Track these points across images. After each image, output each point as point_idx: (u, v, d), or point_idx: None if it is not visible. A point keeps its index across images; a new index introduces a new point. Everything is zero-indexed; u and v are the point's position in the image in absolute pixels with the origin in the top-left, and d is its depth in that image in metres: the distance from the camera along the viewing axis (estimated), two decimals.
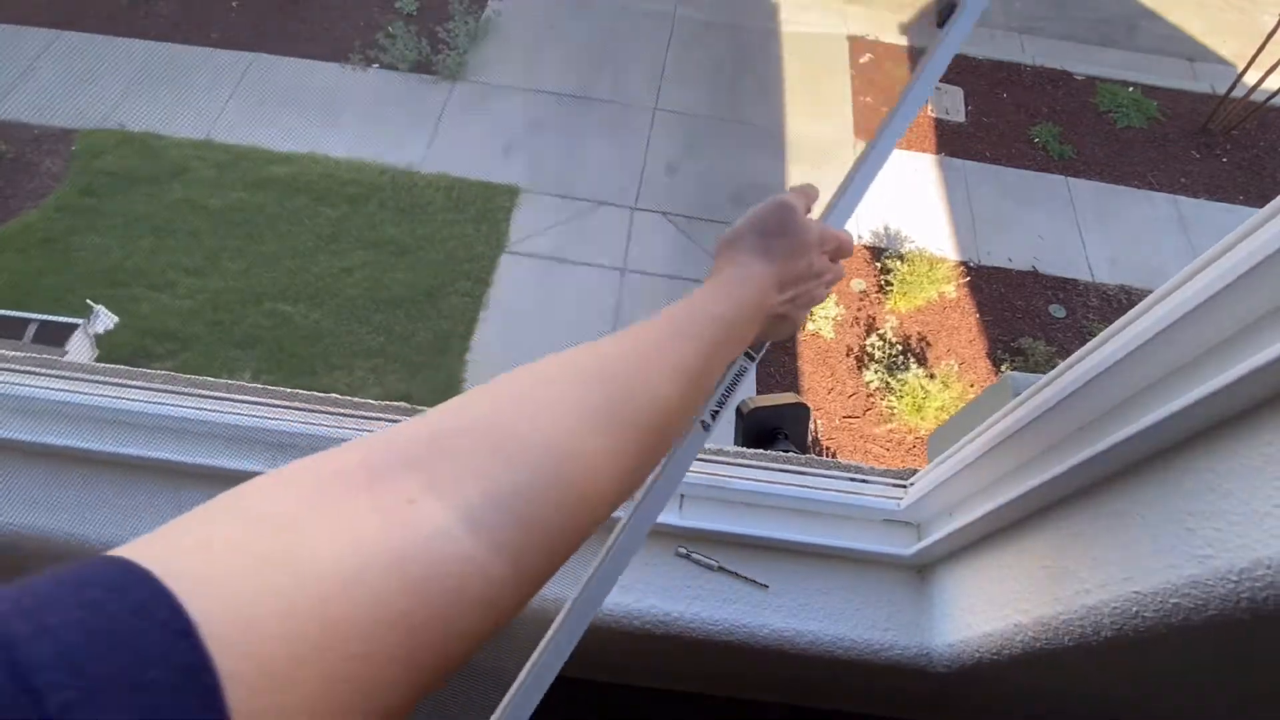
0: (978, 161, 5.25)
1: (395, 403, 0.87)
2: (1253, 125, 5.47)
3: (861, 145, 5.43)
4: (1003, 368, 4.31)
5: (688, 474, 0.83)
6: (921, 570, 0.81)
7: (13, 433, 0.82)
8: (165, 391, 0.87)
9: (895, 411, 4.15)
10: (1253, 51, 5.05)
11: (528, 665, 0.51)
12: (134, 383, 0.88)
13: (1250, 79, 5.14)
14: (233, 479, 0.81)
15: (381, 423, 0.85)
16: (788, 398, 1.23)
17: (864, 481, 0.85)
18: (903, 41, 5.90)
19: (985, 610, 0.67)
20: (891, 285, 4.56)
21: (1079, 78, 5.78)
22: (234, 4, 5.53)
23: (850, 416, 4.19)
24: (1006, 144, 5.36)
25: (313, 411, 0.86)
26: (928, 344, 4.46)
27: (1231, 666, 0.51)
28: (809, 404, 1.50)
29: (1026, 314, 4.60)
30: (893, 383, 4.18)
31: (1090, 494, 0.56)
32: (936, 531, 0.75)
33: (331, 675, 0.23)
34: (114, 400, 0.85)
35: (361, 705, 0.24)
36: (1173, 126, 5.55)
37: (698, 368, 0.46)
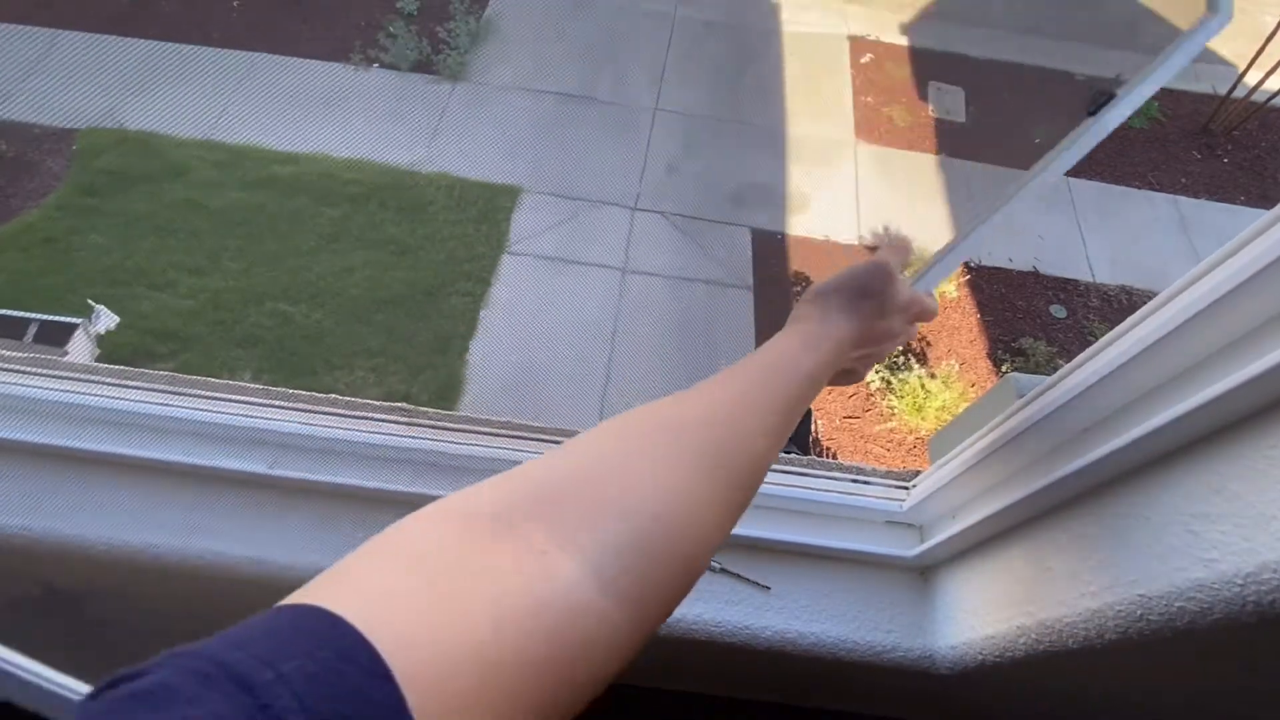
0: (979, 162, 5.25)
1: (396, 403, 0.87)
2: (1254, 126, 5.47)
3: (862, 146, 5.44)
4: (1003, 368, 4.31)
5: None
6: (924, 572, 0.81)
7: (13, 433, 0.82)
8: (165, 391, 0.87)
9: (896, 412, 4.15)
10: (1253, 52, 5.05)
11: None
12: (134, 383, 0.87)
13: (1251, 79, 5.14)
14: (233, 479, 0.81)
15: (382, 423, 0.85)
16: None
17: (866, 483, 0.85)
18: (903, 41, 5.90)
19: (988, 613, 0.66)
20: None
21: (1080, 78, 5.78)
22: (234, 4, 5.53)
23: (851, 416, 4.19)
24: (1007, 144, 5.35)
25: (313, 412, 0.86)
26: (928, 344, 4.45)
27: (1237, 670, 0.51)
28: (809, 406, 1.50)
29: (1027, 314, 4.60)
30: (893, 383, 4.18)
31: (1095, 497, 0.55)
32: (939, 533, 0.75)
33: (491, 708, 0.26)
34: (114, 400, 0.84)
35: None
36: (1174, 127, 5.55)
37: (784, 421, 0.47)
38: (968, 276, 4.72)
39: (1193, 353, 0.47)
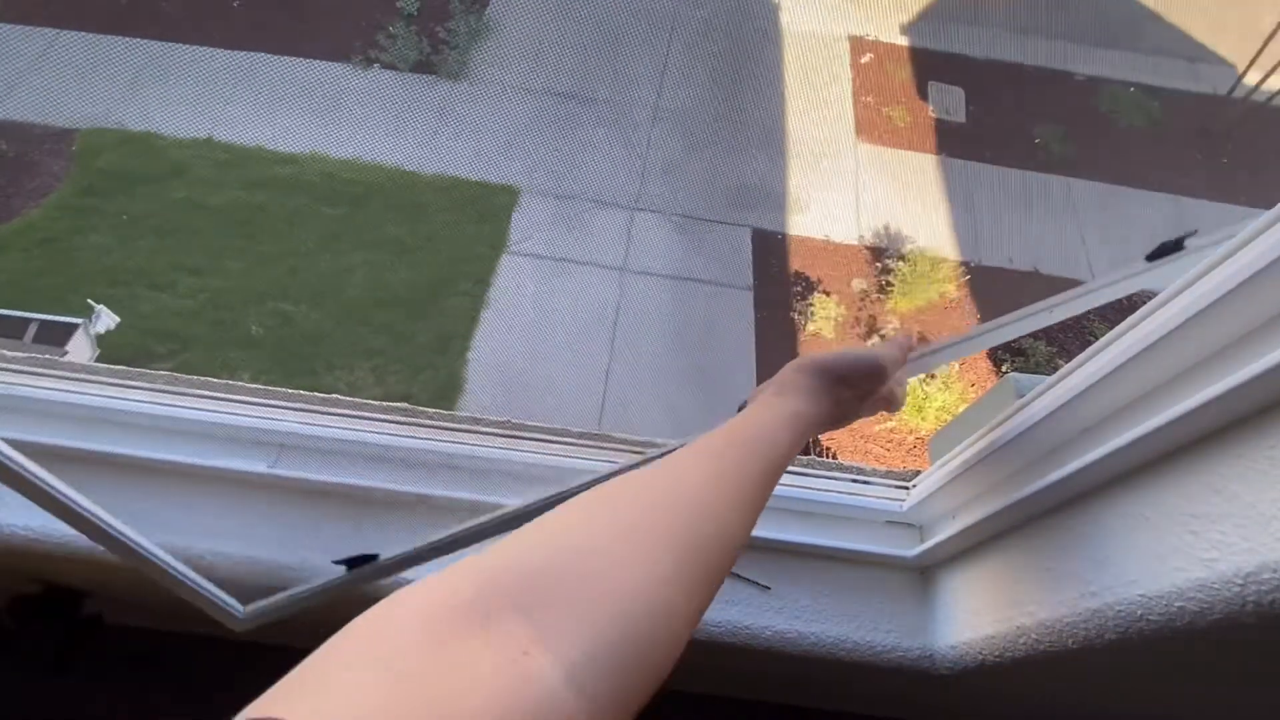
0: (979, 162, 5.25)
1: (396, 403, 0.87)
2: (1254, 126, 5.47)
3: (862, 146, 5.44)
4: (1003, 368, 4.31)
5: None
6: (924, 572, 0.81)
7: (13, 433, 0.82)
8: (165, 391, 0.87)
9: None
10: (1253, 52, 5.05)
11: None
12: (134, 383, 0.87)
13: (1251, 79, 5.14)
14: (233, 479, 0.81)
15: (382, 423, 0.85)
16: None
17: (866, 483, 0.85)
18: (903, 41, 5.90)
19: (988, 612, 0.66)
20: (892, 285, 4.56)
21: (1080, 78, 5.78)
22: (235, 4, 5.53)
23: None
24: (1008, 144, 5.35)
25: (313, 411, 0.86)
26: (928, 344, 4.45)
27: (1237, 670, 0.51)
28: None
29: None
30: None
31: (1095, 497, 0.55)
32: (939, 533, 0.75)
33: None
34: (114, 400, 0.84)
35: None
36: (1174, 127, 5.55)
37: (761, 500, 0.48)
38: (968, 277, 4.72)
39: (1193, 353, 0.47)
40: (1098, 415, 0.56)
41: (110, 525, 0.61)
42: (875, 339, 4.40)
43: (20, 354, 0.82)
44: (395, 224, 4.66)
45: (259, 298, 4.28)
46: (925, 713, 1.00)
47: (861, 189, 5.10)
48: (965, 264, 4.78)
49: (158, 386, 0.87)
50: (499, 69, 5.41)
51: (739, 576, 0.80)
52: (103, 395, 0.85)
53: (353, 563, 0.69)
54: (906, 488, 0.84)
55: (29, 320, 3.41)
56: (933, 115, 5.46)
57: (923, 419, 4.09)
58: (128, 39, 5.22)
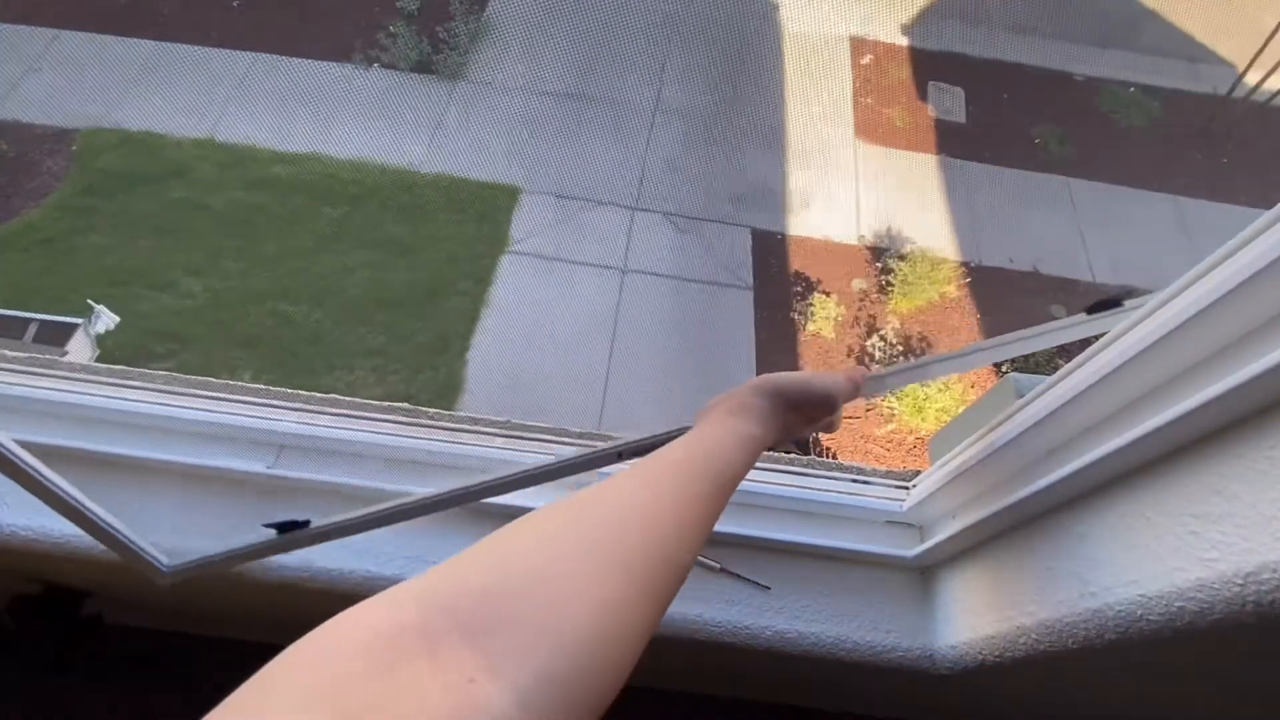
0: (979, 162, 5.25)
1: (395, 403, 0.87)
2: (1254, 126, 5.47)
3: (862, 146, 5.44)
4: (1004, 368, 4.31)
5: None
6: (924, 572, 0.81)
7: (13, 433, 0.82)
8: (165, 391, 0.87)
9: (896, 413, 4.15)
10: (1253, 52, 5.05)
11: None
12: (134, 383, 0.87)
13: (1251, 79, 5.14)
14: (233, 479, 0.81)
15: (382, 423, 0.85)
16: None
17: (866, 483, 0.85)
18: (903, 41, 5.90)
19: (988, 612, 0.66)
20: (892, 285, 4.56)
21: (1080, 78, 5.78)
22: (234, 4, 5.53)
23: (851, 417, 4.19)
24: (1008, 144, 5.35)
25: (312, 411, 0.86)
26: (929, 344, 4.45)
27: (1236, 670, 0.51)
28: None
29: (1027, 314, 4.60)
30: None
31: (1095, 496, 0.55)
32: (939, 533, 0.75)
33: None
34: (114, 400, 0.84)
35: None
36: (1174, 127, 5.55)
37: (712, 518, 0.48)
38: (968, 277, 4.72)
39: (1193, 353, 0.47)
40: (1098, 415, 0.56)
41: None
42: (875, 338, 4.40)
43: (20, 354, 0.82)
44: (395, 224, 4.66)
45: (259, 298, 4.28)
46: (925, 713, 1.00)
47: (861, 189, 5.10)
48: (965, 264, 4.78)
49: (158, 386, 0.87)
50: (499, 69, 5.41)
51: (739, 576, 0.80)
52: (103, 395, 0.85)
53: (283, 527, 0.68)
54: (906, 488, 0.84)
55: (29, 320, 3.41)
56: (933, 115, 5.46)
57: (923, 419, 4.09)
58: (128, 39, 5.22)
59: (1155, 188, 5.21)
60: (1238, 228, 0.43)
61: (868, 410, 4.21)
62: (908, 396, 4.11)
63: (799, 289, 4.64)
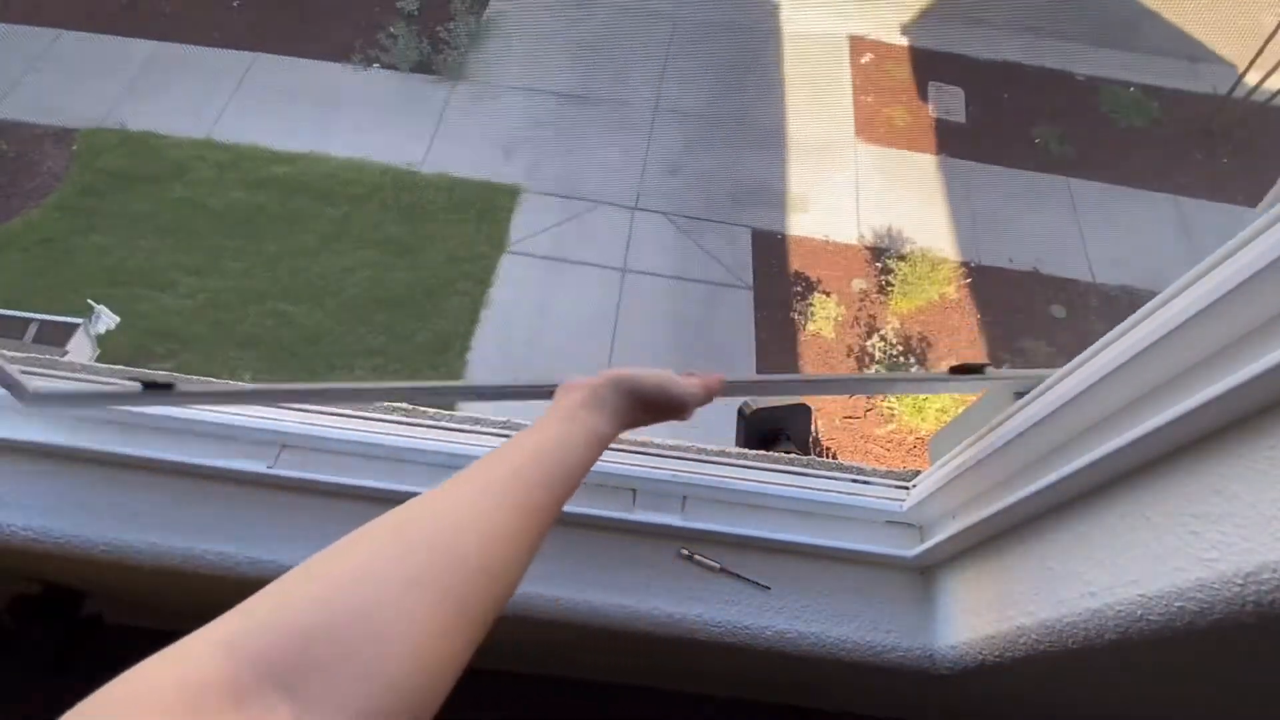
0: (979, 162, 5.25)
1: (395, 404, 0.87)
2: (1254, 126, 5.47)
3: (862, 146, 5.43)
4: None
5: (689, 475, 0.83)
6: (924, 572, 0.81)
7: (13, 433, 0.82)
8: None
9: (896, 413, 4.15)
10: (1253, 52, 5.05)
11: None
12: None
13: (1251, 79, 5.14)
14: (233, 479, 0.81)
15: (382, 423, 0.85)
16: (789, 399, 1.23)
17: (866, 483, 0.85)
18: (903, 41, 5.90)
19: (988, 612, 0.66)
20: (892, 285, 4.56)
21: (1080, 78, 5.78)
22: (235, 4, 5.53)
23: (851, 417, 4.19)
24: (1007, 144, 5.35)
25: (313, 411, 0.86)
26: (929, 344, 4.45)
27: (1236, 670, 0.51)
28: (810, 405, 1.50)
29: (1027, 314, 4.60)
30: None
31: (1095, 496, 0.55)
32: (939, 533, 0.75)
33: None
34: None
35: None
36: (1174, 127, 5.55)
37: (553, 517, 0.47)
38: (968, 277, 4.72)
39: (1193, 353, 0.47)
40: (1098, 415, 0.56)
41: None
42: (875, 338, 4.40)
43: (20, 354, 0.82)
44: (395, 224, 4.66)
45: (259, 298, 4.28)
46: (925, 713, 1.00)
47: (861, 189, 5.10)
48: (965, 264, 4.78)
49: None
50: (499, 69, 5.41)
51: (739, 576, 0.80)
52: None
53: (150, 385, 0.71)
54: (906, 488, 0.84)
55: (29, 320, 3.41)
56: (933, 115, 5.46)
57: (923, 419, 4.09)
58: (128, 39, 5.22)
59: (1155, 188, 5.21)
60: (1238, 228, 0.43)
61: (868, 410, 4.21)
62: (907, 396, 4.11)
63: (799, 289, 4.64)
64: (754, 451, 0.88)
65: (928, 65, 5.74)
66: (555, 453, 0.50)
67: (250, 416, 0.84)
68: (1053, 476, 0.57)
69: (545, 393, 0.62)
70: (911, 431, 4.13)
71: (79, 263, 4.32)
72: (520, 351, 4.27)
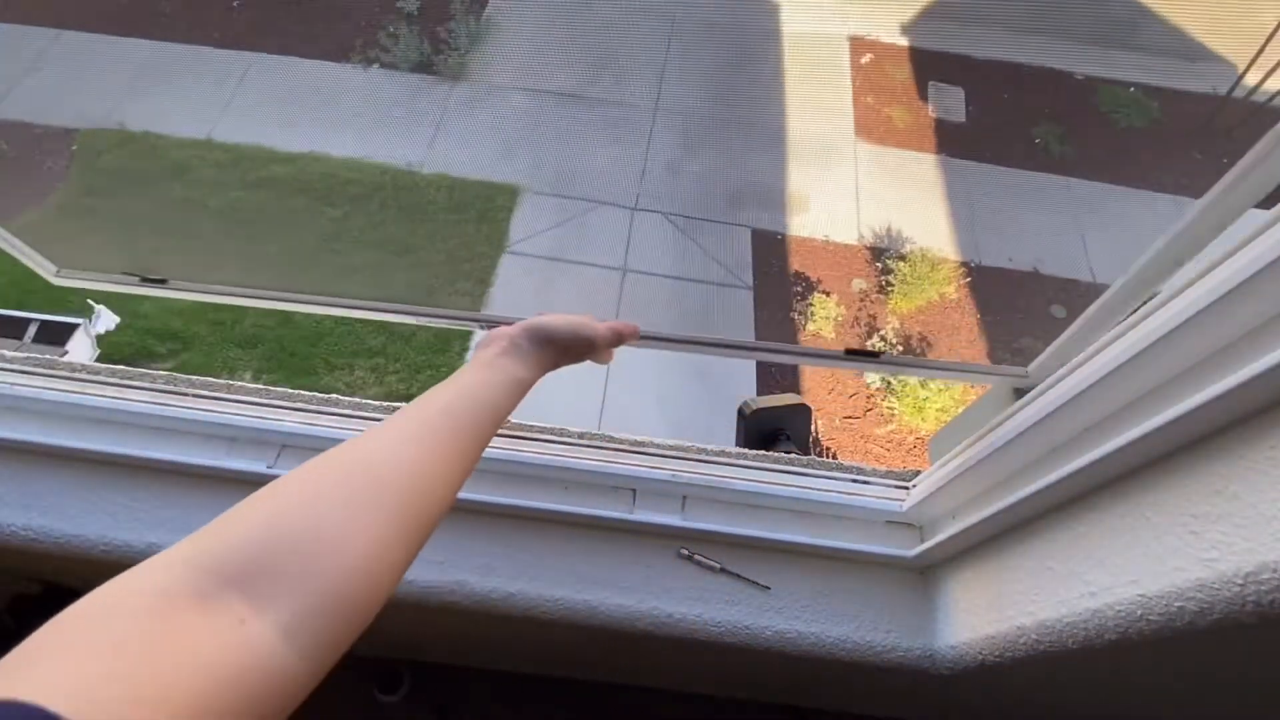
0: (979, 161, 5.25)
1: (395, 403, 0.87)
2: (1254, 126, 5.47)
3: (862, 146, 5.42)
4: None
5: (689, 475, 0.83)
6: (924, 572, 0.81)
7: (13, 433, 0.82)
8: (165, 391, 0.87)
9: (896, 413, 4.15)
10: (1253, 52, 5.05)
11: None
12: (134, 383, 0.87)
13: (1251, 79, 5.14)
14: (233, 479, 0.81)
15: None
16: (789, 399, 1.23)
17: (866, 483, 0.85)
18: (903, 41, 5.89)
19: (988, 612, 0.66)
20: (892, 285, 4.56)
21: (1079, 78, 5.78)
22: (234, 4, 5.53)
23: (851, 417, 4.19)
24: (1008, 144, 5.35)
25: (312, 411, 0.86)
26: (929, 344, 4.45)
27: (1237, 670, 0.51)
28: (810, 404, 1.50)
29: (1028, 315, 4.59)
30: (893, 383, 4.18)
31: (1095, 496, 0.55)
32: (939, 533, 0.75)
33: None
34: (114, 400, 0.84)
35: None
36: (1174, 127, 5.55)
37: (476, 457, 0.52)
38: (968, 277, 4.72)
39: (1193, 353, 0.47)
40: (1098, 415, 0.56)
41: None
42: (875, 338, 4.40)
43: (20, 354, 0.82)
44: (396, 224, 4.66)
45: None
46: (925, 713, 1.00)
47: (861, 189, 5.10)
48: (965, 264, 4.78)
49: (158, 386, 0.87)
50: (499, 69, 5.41)
51: (739, 576, 0.80)
52: (102, 395, 0.85)
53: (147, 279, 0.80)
54: (906, 488, 0.84)
55: (29, 320, 3.40)
56: (933, 115, 5.46)
57: (923, 419, 4.09)
58: (128, 39, 5.22)
59: (1155, 188, 5.20)
60: (1237, 228, 0.43)
61: (868, 410, 4.21)
62: (908, 396, 4.11)
63: (799, 289, 4.64)
64: (754, 451, 0.88)
65: (928, 65, 5.74)
66: (481, 393, 0.55)
67: (250, 416, 0.84)
68: (1053, 476, 0.57)
69: (470, 321, 0.69)
70: (911, 431, 4.13)
71: None
72: None
